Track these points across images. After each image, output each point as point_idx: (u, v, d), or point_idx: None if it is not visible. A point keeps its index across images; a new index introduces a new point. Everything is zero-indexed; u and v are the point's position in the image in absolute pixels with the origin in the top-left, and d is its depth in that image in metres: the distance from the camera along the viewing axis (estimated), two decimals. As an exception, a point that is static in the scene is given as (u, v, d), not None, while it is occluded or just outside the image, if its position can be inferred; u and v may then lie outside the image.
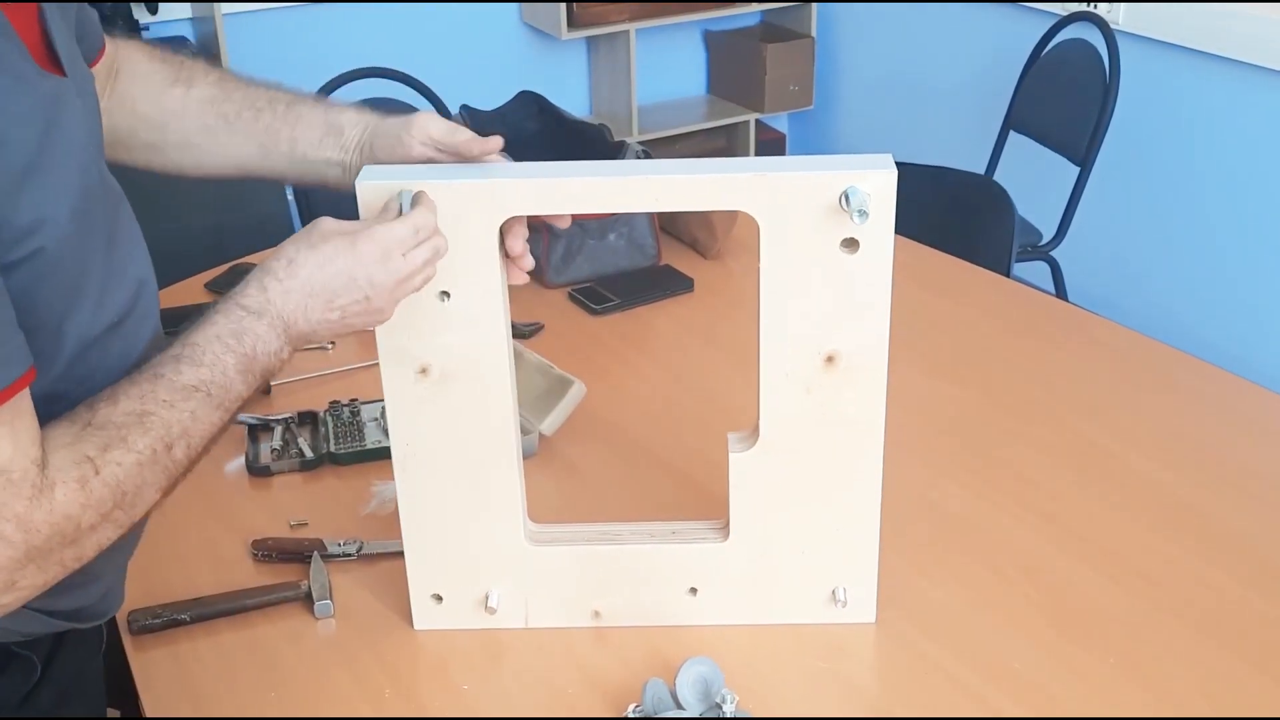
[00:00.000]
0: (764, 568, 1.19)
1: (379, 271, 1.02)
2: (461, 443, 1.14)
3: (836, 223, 1.05)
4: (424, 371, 1.11)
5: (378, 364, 1.66)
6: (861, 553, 1.18)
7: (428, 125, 1.14)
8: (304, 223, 1.55)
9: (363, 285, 1.02)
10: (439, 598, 1.20)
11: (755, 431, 1.14)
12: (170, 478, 0.94)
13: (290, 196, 2.75)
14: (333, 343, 1.71)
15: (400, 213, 1.04)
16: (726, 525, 1.18)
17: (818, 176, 1.04)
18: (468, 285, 1.08)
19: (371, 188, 1.06)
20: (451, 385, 1.12)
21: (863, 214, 1.02)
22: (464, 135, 1.13)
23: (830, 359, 1.10)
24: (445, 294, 1.09)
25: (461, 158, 1.13)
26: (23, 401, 0.86)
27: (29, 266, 0.88)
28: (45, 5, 0.97)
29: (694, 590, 1.20)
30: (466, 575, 1.20)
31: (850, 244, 1.06)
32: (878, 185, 1.04)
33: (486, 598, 1.20)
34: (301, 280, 1.00)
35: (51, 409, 0.89)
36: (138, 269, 1.05)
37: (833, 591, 1.19)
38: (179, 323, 0.99)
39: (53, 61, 0.96)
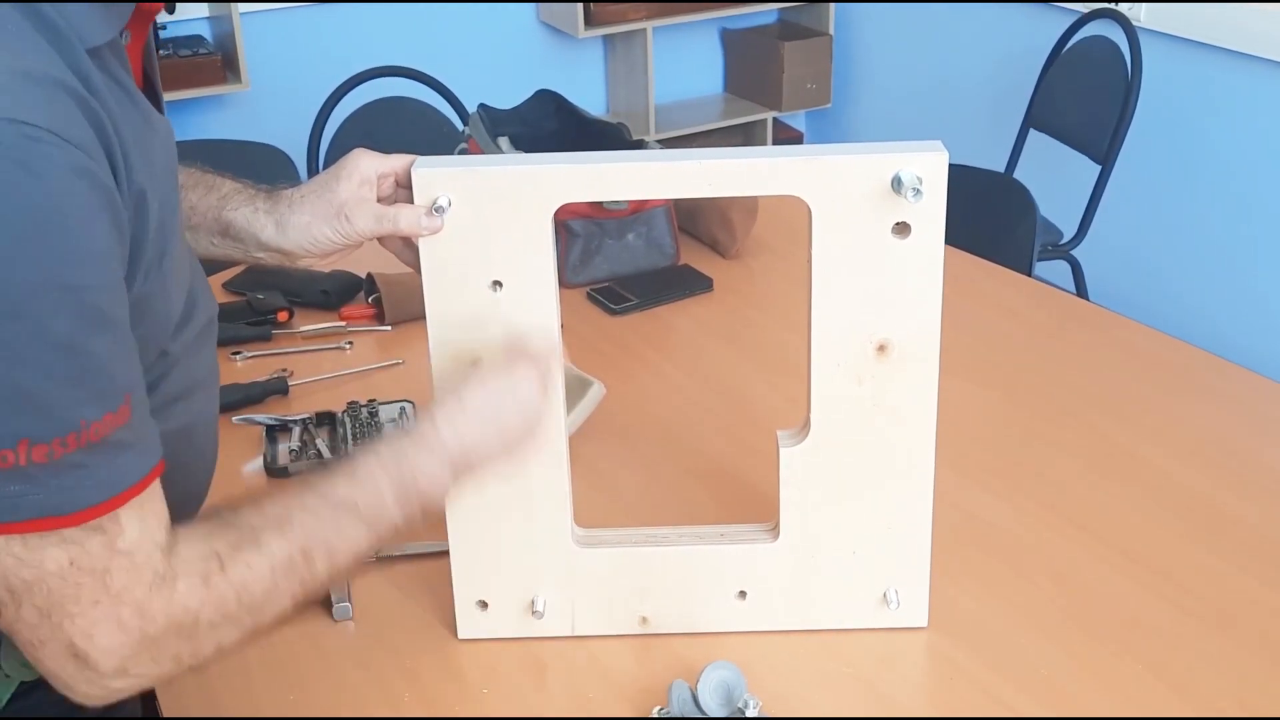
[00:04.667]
0: (814, 569, 1.17)
1: (537, 394, 1.04)
2: None
3: (888, 207, 1.05)
4: (475, 365, 1.10)
5: (396, 364, 1.67)
6: (913, 552, 1.16)
7: (360, 161, 1.11)
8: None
9: (528, 411, 1.03)
10: (484, 604, 1.18)
11: (805, 426, 1.13)
12: (306, 589, 0.92)
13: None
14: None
15: (439, 210, 1.05)
16: (776, 526, 1.17)
17: (869, 159, 1.04)
18: (519, 274, 1.08)
19: (427, 175, 1.05)
20: None
21: (917, 193, 1.01)
22: (400, 160, 1.10)
23: (882, 348, 1.09)
24: (497, 284, 1.08)
25: (400, 183, 1.11)
26: (154, 489, 0.86)
27: (145, 310, 0.89)
28: (150, 40, 0.97)
29: (743, 594, 1.18)
30: (513, 580, 1.18)
31: (902, 229, 1.06)
32: (929, 168, 1.03)
33: (532, 603, 1.18)
34: (471, 413, 1.01)
35: None
36: (203, 281, 1.06)
37: (884, 594, 1.18)
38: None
39: (152, 96, 0.97)
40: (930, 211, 1.05)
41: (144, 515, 0.84)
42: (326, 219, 1.11)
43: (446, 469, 0.99)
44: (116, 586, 0.83)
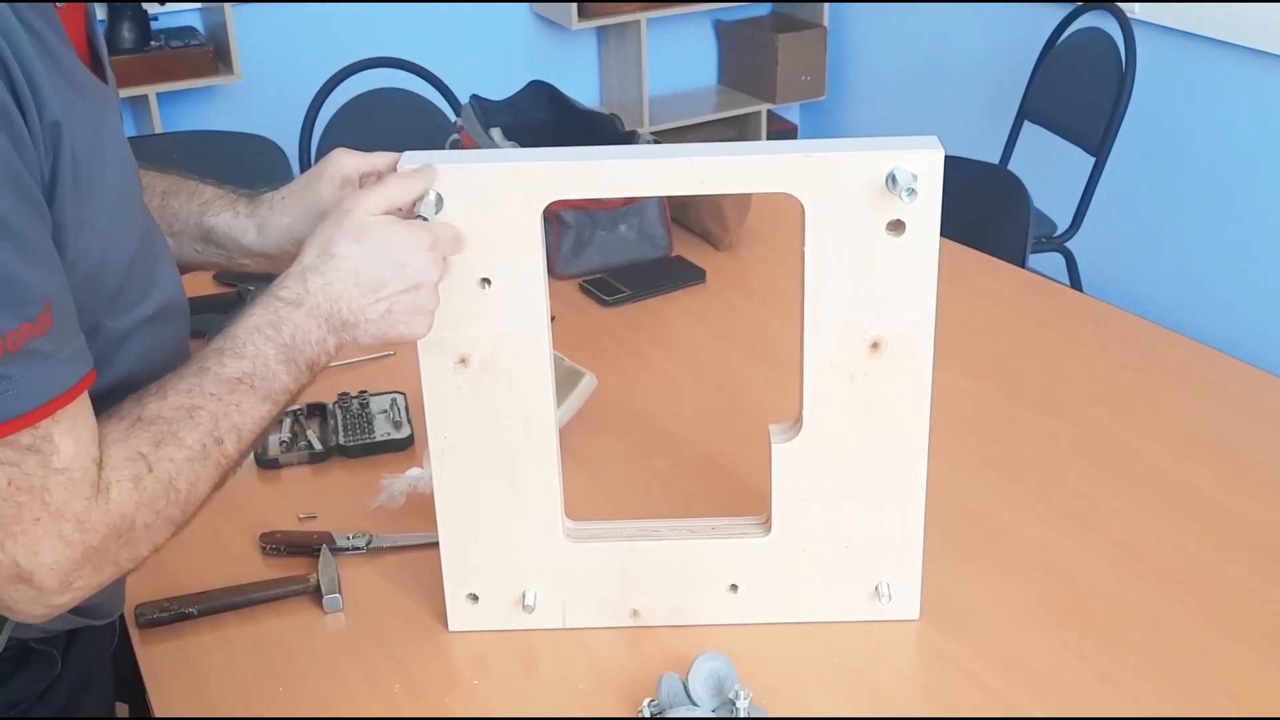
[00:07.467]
0: (806, 563, 1.17)
1: (423, 260, 1.00)
2: (500, 435, 1.13)
3: (882, 204, 1.04)
4: (463, 361, 1.10)
5: (387, 355, 1.66)
6: (906, 546, 1.16)
7: (341, 161, 1.11)
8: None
9: (410, 273, 1.00)
10: (474, 597, 1.18)
11: (797, 422, 1.13)
12: (221, 472, 0.95)
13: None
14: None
15: (433, 207, 1.03)
16: (768, 520, 1.16)
17: (864, 156, 1.02)
18: (508, 272, 1.07)
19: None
20: (490, 375, 1.10)
21: (911, 193, 1.01)
22: (382, 158, 1.10)
23: (875, 345, 1.09)
24: (486, 281, 1.07)
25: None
26: (84, 402, 0.86)
27: (71, 271, 0.88)
28: (90, 6, 0.97)
29: (734, 587, 1.18)
30: (503, 573, 1.17)
31: (896, 226, 1.05)
32: (924, 165, 1.02)
33: (523, 596, 1.17)
34: (346, 272, 0.99)
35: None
36: (166, 265, 1.05)
37: (875, 587, 1.17)
38: (197, 312, 0.98)
39: (96, 66, 0.96)
40: (925, 209, 1.04)
41: (77, 431, 0.85)
42: (308, 220, 1.11)
43: (326, 330, 0.99)
44: (56, 503, 0.83)
